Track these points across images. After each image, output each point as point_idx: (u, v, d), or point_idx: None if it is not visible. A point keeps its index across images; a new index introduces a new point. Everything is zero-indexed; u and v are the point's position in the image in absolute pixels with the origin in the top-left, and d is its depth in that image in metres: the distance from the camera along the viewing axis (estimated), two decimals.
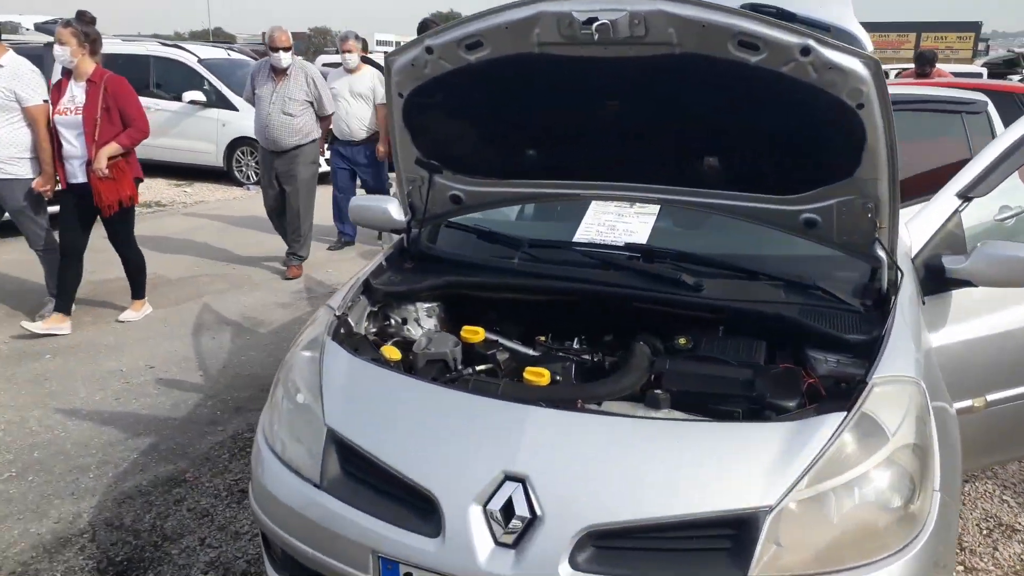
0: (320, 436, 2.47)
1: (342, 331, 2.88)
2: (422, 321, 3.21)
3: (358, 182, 8.90)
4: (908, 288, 2.83)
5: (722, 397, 2.46)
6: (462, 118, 3.05)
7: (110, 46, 15.06)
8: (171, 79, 13.62)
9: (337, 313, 2.94)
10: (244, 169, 13.39)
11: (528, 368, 2.68)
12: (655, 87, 2.67)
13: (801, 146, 2.68)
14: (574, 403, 2.47)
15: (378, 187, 8.78)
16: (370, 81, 8.49)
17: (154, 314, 6.71)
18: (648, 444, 2.22)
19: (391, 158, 3.47)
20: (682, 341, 2.81)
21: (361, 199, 3.92)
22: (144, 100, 14.84)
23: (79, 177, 5.89)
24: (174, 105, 13.29)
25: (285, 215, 8.00)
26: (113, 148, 5.80)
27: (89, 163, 5.77)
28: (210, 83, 13.26)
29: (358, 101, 8.49)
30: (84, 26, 5.81)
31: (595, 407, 2.49)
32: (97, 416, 4.85)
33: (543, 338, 3.03)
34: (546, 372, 2.65)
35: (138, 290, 6.65)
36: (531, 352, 2.96)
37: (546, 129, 2.95)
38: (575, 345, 3.01)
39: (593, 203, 3.39)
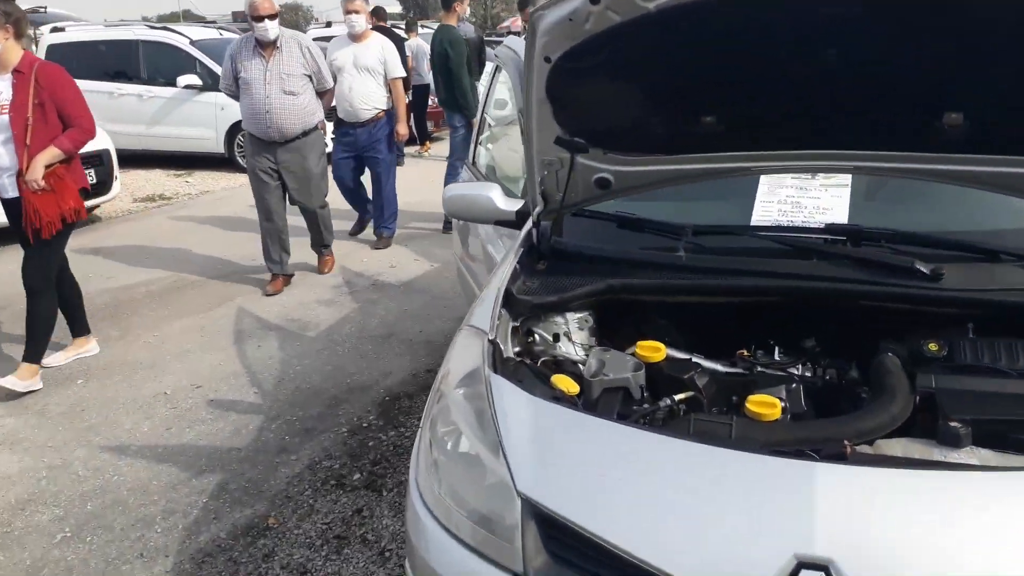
0: (513, 508, 1.88)
1: (508, 362, 2.29)
2: (573, 335, 2.61)
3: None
4: None
5: None
6: (625, 82, 2.42)
7: (91, 32, 14.29)
8: (162, 64, 12.77)
9: (490, 337, 2.34)
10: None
11: (752, 398, 2.09)
12: (892, 24, 2.05)
13: None
14: (841, 446, 1.89)
15: (386, 173, 7.74)
16: (379, 51, 7.36)
17: (189, 322, 6.08)
18: (989, 507, 1.64)
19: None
20: (932, 347, 2.22)
21: (458, 188, 3.30)
22: (135, 88, 14.25)
23: (8, 192, 4.73)
24: (168, 91, 12.48)
25: (299, 215, 6.92)
26: (51, 154, 4.57)
27: (20, 174, 4.59)
28: (204, 65, 12.45)
29: (364, 75, 7.31)
30: (2, 3, 4.51)
31: (869, 450, 1.91)
32: (150, 452, 4.25)
33: (746, 352, 2.43)
34: (776, 402, 2.07)
35: (35, 351, 4.98)
36: (737, 370, 2.37)
37: (737, 87, 2.32)
38: (786, 358, 2.41)
39: (764, 178, 2.77)
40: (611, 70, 2.38)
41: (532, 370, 2.34)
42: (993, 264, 2.37)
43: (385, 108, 7.56)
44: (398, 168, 8.45)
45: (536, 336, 2.59)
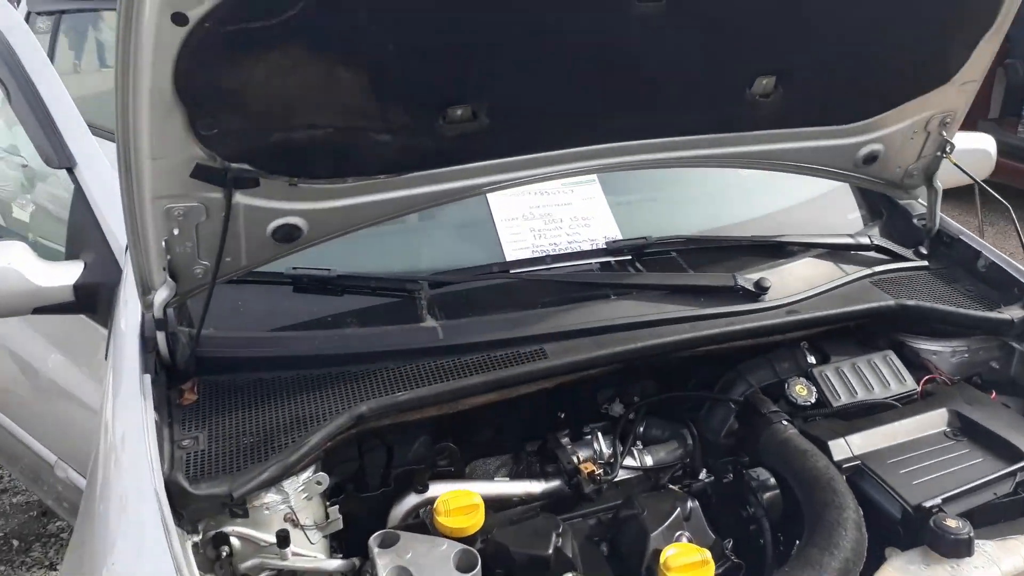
0: None
1: None
2: (303, 516, 1.46)
3: None
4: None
5: None
6: (331, 59, 1.30)
7: None
8: None
9: None
10: None
11: (670, 559, 1.31)
12: None
13: (897, 45, 1.70)
14: None
15: None
16: None
17: None
18: None
19: None
20: (800, 390, 1.71)
21: None
22: None
23: None
24: None
25: None
26: None
27: None
28: None
29: None
30: None
31: None
32: None
33: (589, 467, 1.60)
34: (703, 555, 1.34)
35: None
36: (599, 507, 1.56)
37: (500, 61, 1.42)
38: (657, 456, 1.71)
39: (491, 197, 1.91)
40: (307, 39, 1.25)
41: None
42: (791, 261, 1.95)
43: None
44: None
45: (232, 545, 1.38)
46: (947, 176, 2.07)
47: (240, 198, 1.42)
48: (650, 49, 1.49)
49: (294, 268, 1.70)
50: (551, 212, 1.90)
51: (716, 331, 1.69)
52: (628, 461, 1.70)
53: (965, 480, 1.48)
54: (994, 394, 1.78)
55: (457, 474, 1.63)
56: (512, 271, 1.78)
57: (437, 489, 1.53)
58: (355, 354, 1.58)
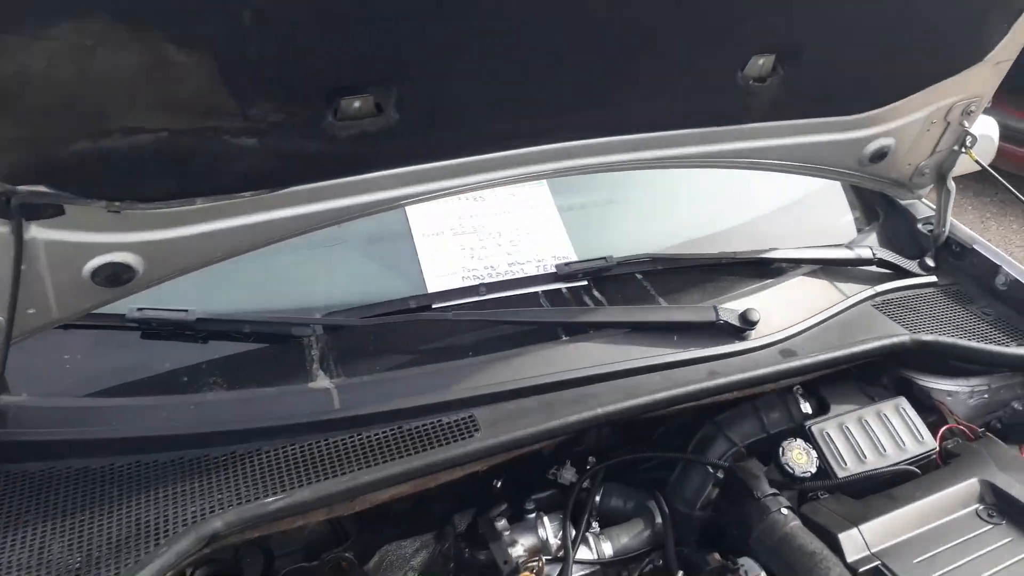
0: None
1: None
2: None
3: None
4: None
5: None
6: (142, 41, 0.86)
7: None
8: None
9: None
10: None
11: None
12: None
13: (927, 17, 1.33)
14: None
15: None
16: None
17: None
18: None
19: None
20: (798, 457, 1.37)
21: None
22: None
23: None
24: None
25: None
26: None
27: None
28: None
29: None
30: None
31: None
32: None
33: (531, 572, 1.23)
34: None
35: None
36: None
37: (384, 43, 1.00)
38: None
39: (409, 210, 1.50)
40: (110, 6, 0.81)
41: None
42: (780, 281, 1.60)
43: None
44: None
45: None
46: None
47: (38, 232, 0.99)
48: (617, 19, 1.09)
49: (139, 309, 1.27)
50: (486, 224, 1.50)
51: (697, 387, 1.32)
52: (583, 552, 1.34)
53: None
54: (1023, 449, 1.48)
55: None
56: (435, 306, 1.38)
57: None
58: (217, 432, 1.17)
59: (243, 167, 1.03)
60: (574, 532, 1.34)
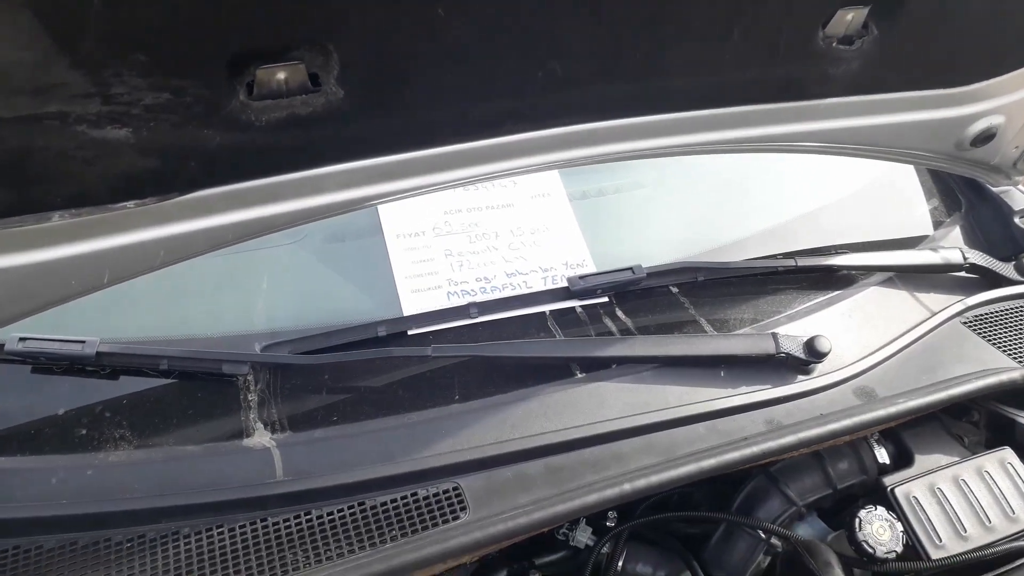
0: None
1: None
2: None
3: None
4: None
5: None
6: None
7: None
8: None
9: None
10: None
11: None
12: None
13: None
14: None
15: None
16: None
17: None
18: None
19: None
20: (879, 532, 1.06)
21: None
22: None
23: None
24: None
25: None
26: None
27: None
28: None
29: None
30: None
31: None
32: None
33: None
34: None
35: None
36: None
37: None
38: None
39: (382, 210, 1.17)
40: None
41: None
42: (849, 294, 1.28)
43: None
44: None
45: None
46: None
47: None
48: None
49: (22, 339, 0.97)
50: (479, 221, 1.18)
51: (755, 450, 1.01)
52: None
53: None
54: None
55: None
56: (411, 332, 1.06)
57: None
58: (120, 512, 0.87)
59: (115, 168, 0.70)
60: None
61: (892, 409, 1.09)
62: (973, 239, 1.48)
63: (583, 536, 1.17)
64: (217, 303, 1.11)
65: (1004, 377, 1.16)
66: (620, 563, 1.16)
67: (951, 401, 1.14)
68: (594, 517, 1.19)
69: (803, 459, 1.17)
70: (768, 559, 1.13)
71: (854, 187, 1.49)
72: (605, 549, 1.15)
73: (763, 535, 1.12)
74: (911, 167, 1.54)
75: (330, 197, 0.84)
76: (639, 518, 1.16)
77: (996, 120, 1.21)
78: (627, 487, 0.95)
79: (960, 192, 1.55)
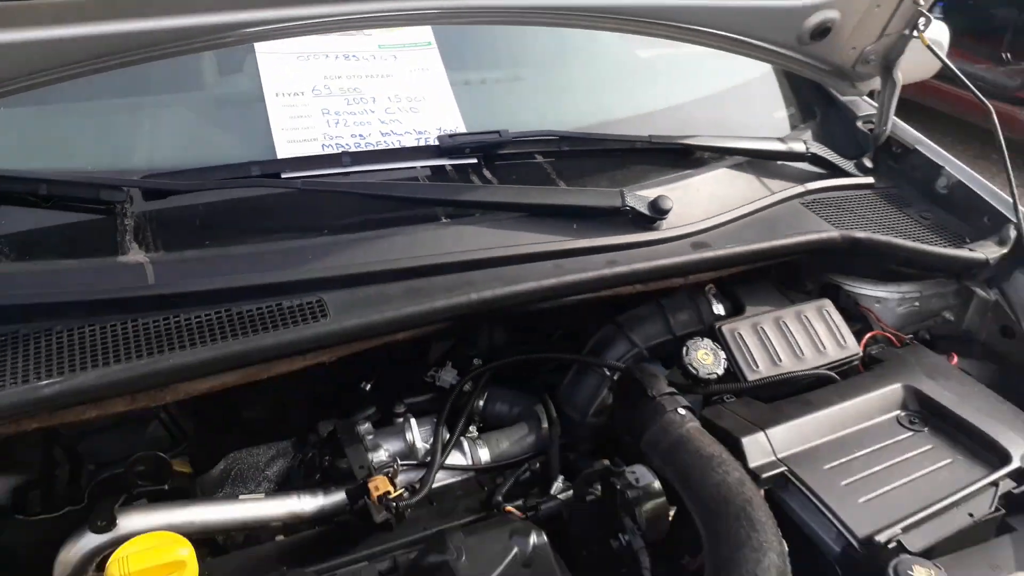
0: None
1: None
2: None
3: None
4: None
5: None
6: None
7: None
8: None
9: None
10: None
11: None
12: None
13: None
14: None
15: None
16: None
17: None
18: None
19: None
20: (703, 357, 1.20)
21: None
22: None
23: None
24: None
25: None
26: None
27: None
28: None
29: None
30: None
31: None
32: None
33: (382, 485, 1.05)
34: None
35: None
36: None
37: None
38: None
39: (260, 56, 1.26)
40: None
41: None
42: (699, 172, 1.42)
43: None
44: None
45: None
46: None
47: None
48: None
49: None
50: (358, 87, 1.28)
51: (591, 275, 1.14)
52: (456, 458, 1.17)
53: (932, 496, 1.01)
54: (955, 358, 1.33)
55: (178, 490, 1.06)
56: (285, 175, 1.16)
57: (132, 523, 0.96)
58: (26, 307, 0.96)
59: None
60: (448, 436, 1.17)
61: (721, 253, 1.23)
62: (824, 141, 1.63)
63: (448, 376, 1.29)
64: (99, 145, 1.19)
65: (824, 235, 1.31)
66: (480, 402, 1.28)
67: (776, 252, 1.29)
68: (460, 361, 1.31)
69: (646, 310, 1.31)
70: (611, 396, 1.26)
71: (720, 87, 1.64)
72: (467, 387, 1.27)
73: (607, 372, 1.25)
74: (774, 76, 1.70)
75: (201, 19, 0.94)
76: (499, 363, 1.29)
77: (831, 13, 1.36)
78: (474, 296, 1.06)
79: (816, 102, 1.71)
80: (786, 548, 0.92)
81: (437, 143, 1.26)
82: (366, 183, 1.17)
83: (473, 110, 1.37)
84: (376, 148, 1.23)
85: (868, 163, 1.58)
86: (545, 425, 1.22)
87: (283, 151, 1.17)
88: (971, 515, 1.01)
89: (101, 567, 0.95)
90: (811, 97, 1.71)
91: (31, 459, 1.07)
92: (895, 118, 1.59)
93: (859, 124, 1.63)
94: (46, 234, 1.06)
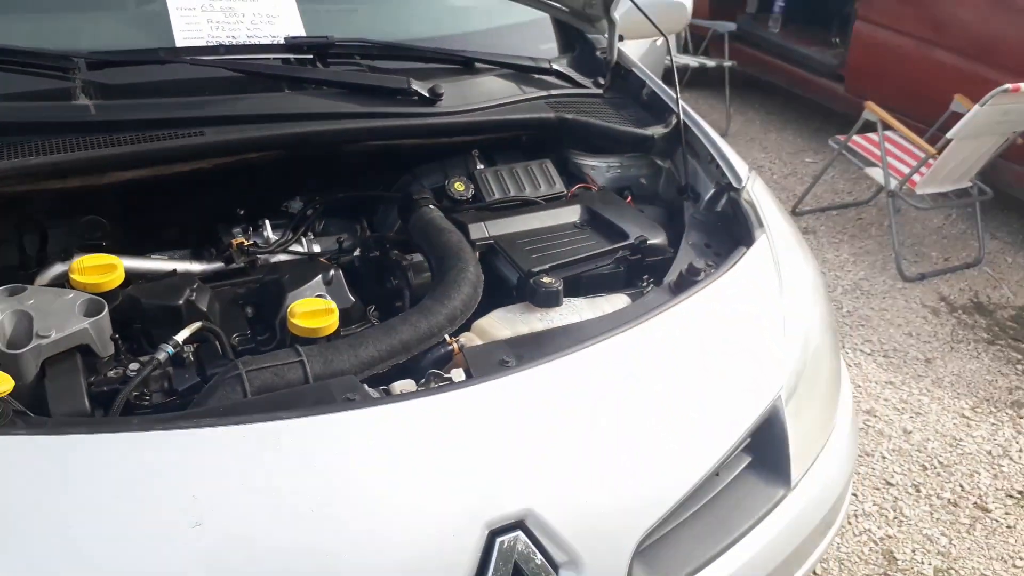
0: None
1: None
2: None
3: None
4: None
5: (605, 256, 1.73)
6: None
7: None
8: None
9: None
10: None
11: (294, 308, 1.43)
12: None
13: None
14: (444, 345, 1.45)
15: None
16: None
17: None
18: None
19: None
20: (458, 186, 1.88)
21: None
22: None
23: None
24: None
25: None
26: None
27: None
28: None
29: None
30: None
31: (477, 340, 1.50)
32: None
33: (240, 240, 1.68)
34: (327, 304, 1.46)
35: None
36: (239, 266, 1.66)
37: None
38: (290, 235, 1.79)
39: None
40: None
41: None
42: (473, 77, 2.08)
43: None
44: None
45: None
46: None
47: None
48: None
49: None
50: (233, 6, 1.89)
51: (381, 124, 1.78)
52: (295, 248, 1.80)
53: (576, 255, 1.71)
54: (630, 198, 2.04)
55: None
56: (182, 58, 1.76)
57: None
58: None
59: None
60: (291, 235, 1.80)
61: (471, 119, 1.88)
62: (576, 66, 2.30)
63: (296, 205, 1.91)
64: (48, 27, 1.78)
65: (544, 115, 1.99)
66: (320, 225, 1.91)
67: (512, 124, 1.96)
68: (307, 198, 1.93)
69: (432, 166, 1.96)
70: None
71: (506, 23, 2.31)
72: (309, 212, 1.90)
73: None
74: (547, 20, 2.37)
75: None
76: (334, 197, 1.92)
77: None
78: (303, 130, 1.68)
79: (575, 38, 2.40)
80: (481, 271, 1.59)
81: (284, 42, 1.88)
82: (234, 61, 1.78)
83: (313, 24, 1.99)
84: (242, 44, 1.84)
85: (603, 81, 2.28)
86: (359, 234, 1.87)
87: (180, 43, 1.77)
88: (596, 265, 1.71)
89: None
90: (571, 35, 2.40)
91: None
92: (621, 48, 2.30)
93: (598, 53, 2.33)
94: (16, 84, 1.62)
